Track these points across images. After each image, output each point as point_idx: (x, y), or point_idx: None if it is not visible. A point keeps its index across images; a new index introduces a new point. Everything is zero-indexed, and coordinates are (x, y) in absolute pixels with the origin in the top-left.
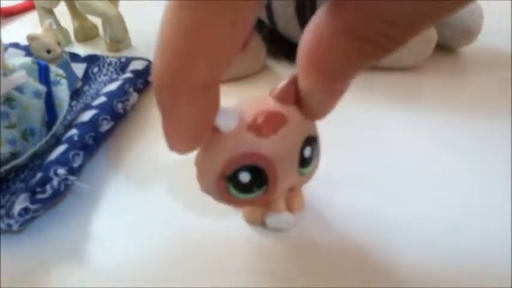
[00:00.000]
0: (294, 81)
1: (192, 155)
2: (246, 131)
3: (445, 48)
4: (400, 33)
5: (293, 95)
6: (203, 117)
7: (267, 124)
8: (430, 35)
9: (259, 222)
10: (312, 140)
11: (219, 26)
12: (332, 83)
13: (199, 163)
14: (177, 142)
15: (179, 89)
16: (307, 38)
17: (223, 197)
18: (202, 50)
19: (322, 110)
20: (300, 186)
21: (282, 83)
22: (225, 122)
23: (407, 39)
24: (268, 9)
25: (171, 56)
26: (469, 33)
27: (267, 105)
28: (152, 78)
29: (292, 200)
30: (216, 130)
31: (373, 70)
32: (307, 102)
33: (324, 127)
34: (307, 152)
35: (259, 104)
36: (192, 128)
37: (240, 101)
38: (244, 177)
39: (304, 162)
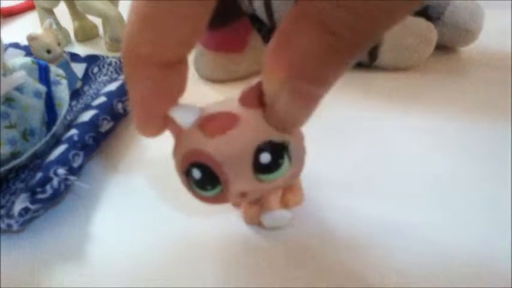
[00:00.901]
0: (258, 85)
1: None
2: (197, 128)
3: (445, 48)
4: (365, 26)
5: (255, 99)
6: (157, 94)
7: (213, 123)
8: (430, 36)
9: (256, 222)
10: (273, 146)
11: (163, 6)
12: (298, 82)
13: (173, 156)
14: (137, 119)
15: (131, 61)
16: (279, 29)
17: (191, 192)
18: (147, 24)
19: (291, 117)
20: (267, 191)
21: (247, 86)
22: (182, 118)
23: (374, 34)
24: (268, 8)
25: (127, 30)
26: (470, 33)
27: (228, 107)
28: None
29: (288, 195)
30: (179, 127)
31: (373, 70)
32: (273, 108)
33: (324, 127)
34: (264, 157)
35: (221, 105)
36: (146, 103)
37: (214, 102)
38: (196, 174)
39: (264, 168)
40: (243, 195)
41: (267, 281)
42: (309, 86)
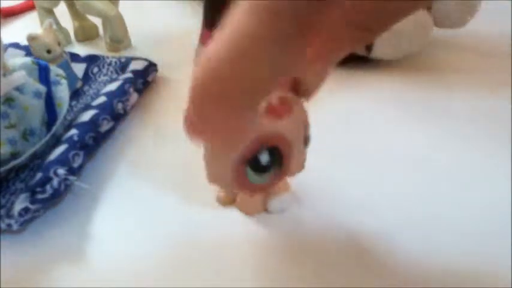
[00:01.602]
0: None
1: (192, 157)
2: (264, 114)
3: (443, 44)
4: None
5: (289, 82)
6: (236, 130)
7: (282, 106)
8: (426, 20)
9: (260, 210)
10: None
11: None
12: (324, 65)
13: (212, 152)
14: (197, 137)
15: (231, 102)
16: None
17: (238, 180)
18: (273, 72)
19: (313, 91)
20: None
21: None
22: None
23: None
24: None
25: (241, 68)
26: (470, 7)
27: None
28: (202, 76)
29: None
30: None
31: (371, 64)
32: (310, 80)
33: (323, 125)
34: (308, 132)
35: None
36: (220, 135)
37: None
38: (264, 158)
39: (306, 141)
40: (302, 167)
41: (267, 281)
42: (327, 66)
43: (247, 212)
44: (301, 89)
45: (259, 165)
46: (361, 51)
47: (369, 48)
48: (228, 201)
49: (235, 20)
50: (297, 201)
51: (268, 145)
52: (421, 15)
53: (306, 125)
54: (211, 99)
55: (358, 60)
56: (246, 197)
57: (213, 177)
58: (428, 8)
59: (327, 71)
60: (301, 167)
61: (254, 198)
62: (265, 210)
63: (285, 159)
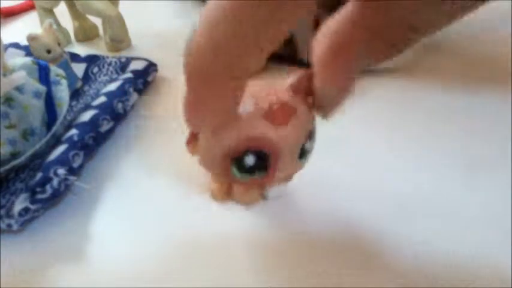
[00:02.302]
0: (310, 76)
1: (192, 157)
2: (261, 117)
3: (442, 48)
4: (419, 38)
5: (305, 89)
6: (224, 105)
7: (281, 113)
8: None
9: (257, 200)
10: (312, 134)
11: (273, 21)
12: (346, 81)
13: (207, 139)
14: (194, 120)
15: (213, 74)
16: (326, 38)
17: (223, 174)
18: (248, 41)
19: (334, 108)
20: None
21: (297, 74)
22: (243, 106)
23: (417, 40)
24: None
25: (216, 40)
26: None
27: (279, 94)
28: (188, 54)
29: None
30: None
31: (368, 76)
32: (321, 101)
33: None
34: (308, 144)
35: (272, 92)
36: (211, 112)
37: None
38: (250, 160)
39: (303, 154)
40: (289, 178)
41: (268, 281)
42: (353, 80)
43: (244, 203)
44: (316, 103)
45: (244, 166)
46: None
47: None
48: (221, 195)
49: None
50: (296, 195)
51: (255, 148)
52: None
53: (307, 138)
54: (195, 72)
55: None
56: (241, 188)
57: (203, 163)
58: None
59: (350, 84)
60: (289, 178)
61: (250, 190)
62: (262, 197)
63: (271, 167)
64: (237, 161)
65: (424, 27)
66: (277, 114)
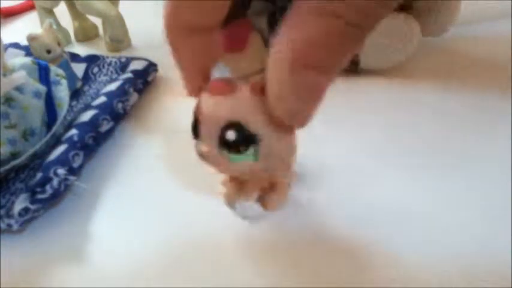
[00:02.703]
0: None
1: (192, 157)
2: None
3: (440, 48)
4: (367, 6)
5: (263, 90)
6: (201, 55)
7: (215, 85)
8: (411, 30)
9: (234, 203)
10: (243, 131)
11: None
12: (304, 70)
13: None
14: (185, 79)
15: (177, 30)
16: (282, 24)
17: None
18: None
19: (298, 114)
20: (232, 171)
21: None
22: (215, 74)
23: (375, 15)
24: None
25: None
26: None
27: (238, 80)
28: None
29: (271, 194)
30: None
31: (358, 75)
32: (282, 102)
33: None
34: (229, 135)
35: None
36: (192, 66)
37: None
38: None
39: (225, 144)
40: (202, 155)
41: (268, 281)
42: (315, 73)
43: (227, 204)
44: (271, 96)
45: (228, 142)
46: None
47: (355, 62)
48: (232, 197)
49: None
50: (296, 196)
51: (195, 114)
52: (407, 23)
53: (228, 126)
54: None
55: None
56: (227, 186)
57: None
58: (416, 16)
59: (317, 85)
60: (200, 153)
61: (232, 193)
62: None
63: (198, 130)
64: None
65: None
66: (212, 84)
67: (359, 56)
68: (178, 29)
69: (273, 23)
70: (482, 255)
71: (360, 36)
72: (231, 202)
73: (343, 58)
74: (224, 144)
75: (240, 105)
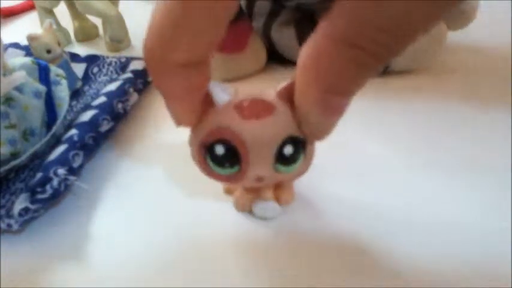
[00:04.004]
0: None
1: (192, 159)
2: (232, 108)
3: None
4: (393, 40)
5: (292, 95)
6: (188, 92)
7: (250, 107)
8: (439, 32)
9: (247, 209)
10: (296, 141)
11: (198, 9)
12: (330, 97)
13: (191, 131)
14: (172, 112)
15: (161, 64)
16: (304, 53)
17: (202, 166)
18: (182, 30)
19: (322, 130)
20: (279, 181)
21: (287, 82)
22: (219, 95)
23: (400, 47)
24: (267, 37)
25: (155, 33)
26: (465, 14)
27: (263, 95)
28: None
29: (280, 192)
30: (212, 103)
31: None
32: (306, 122)
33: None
34: (287, 149)
35: (257, 93)
36: (179, 101)
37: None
38: (219, 150)
39: (284, 160)
40: (259, 179)
41: (268, 281)
42: (338, 98)
43: (236, 207)
44: (303, 126)
45: (215, 156)
46: None
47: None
48: (243, 204)
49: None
50: (292, 213)
51: (221, 137)
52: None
53: (284, 141)
54: (147, 57)
55: None
56: (238, 193)
57: (191, 155)
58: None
59: (339, 107)
60: (253, 181)
61: (245, 196)
62: (251, 211)
63: (243, 161)
64: (210, 151)
65: (394, 27)
66: (245, 107)
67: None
68: (172, 66)
69: (302, 33)
70: (482, 255)
71: (378, 66)
72: (244, 206)
73: (362, 83)
74: (280, 160)
75: (288, 119)
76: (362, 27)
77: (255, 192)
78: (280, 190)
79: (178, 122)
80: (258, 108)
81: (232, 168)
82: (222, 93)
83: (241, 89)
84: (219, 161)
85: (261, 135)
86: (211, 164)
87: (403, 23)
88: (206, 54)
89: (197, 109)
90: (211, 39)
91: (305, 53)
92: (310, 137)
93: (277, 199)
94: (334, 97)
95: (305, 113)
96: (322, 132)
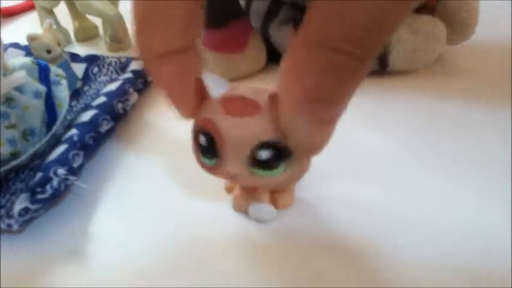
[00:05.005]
0: None
1: (192, 157)
2: (217, 103)
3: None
4: (367, 36)
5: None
6: (180, 77)
7: (235, 104)
8: (438, 33)
9: (244, 210)
10: (277, 148)
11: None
12: (314, 105)
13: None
14: (176, 104)
15: (148, 56)
16: (285, 58)
17: (195, 154)
18: (156, 20)
19: (311, 142)
20: (259, 184)
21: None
22: (212, 86)
23: (376, 44)
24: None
25: (137, 28)
26: (465, 27)
27: (258, 93)
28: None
29: (279, 195)
30: (209, 95)
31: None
32: (292, 132)
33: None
34: (263, 154)
35: (251, 91)
36: (173, 88)
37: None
38: (202, 139)
39: (259, 163)
40: (232, 177)
41: (268, 281)
42: (323, 106)
43: (234, 208)
44: (292, 140)
45: (200, 145)
46: (374, 67)
47: (382, 64)
48: (240, 204)
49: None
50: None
51: (203, 128)
52: (432, 28)
53: (259, 146)
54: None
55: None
56: (236, 193)
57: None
58: (442, 19)
59: (328, 117)
60: (227, 176)
61: (242, 197)
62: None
63: (220, 154)
64: (195, 140)
65: (367, 23)
66: (231, 102)
67: (388, 59)
68: (155, 57)
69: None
70: (482, 255)
71: (360, 68)
72: (241, 206)
73: (351, 86)
74: (255, 163)
75: (271, 124)
76: (333, 27)
77: (251, 194)
78: (278, 194)
79: (187, 112)
80: (243, 106)
81: (211, 160)
82: (214, 85)
83: (242, 86)
84: (202, 151)
85: (237, 133)
86: (200, 154)
87: (376, 20)
88: (190, 40)
89: (192, 98)
90: (187, 25)
91: (285, 59)
92: (300, 149)
93: (275, 202)
94: (319, 105)
95: (289, 123)
96: (312, 144)
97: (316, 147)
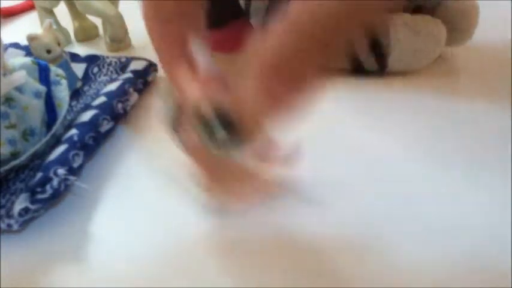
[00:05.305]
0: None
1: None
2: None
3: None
4: (335, 24)
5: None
6: (172, 41)
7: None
8: (439, 34)
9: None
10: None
11: None
12: (270, 79)
13: None
14: (162, 61)
15: (151, 21)
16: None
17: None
18: None
19: (252, 110)
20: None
21: None
22: (198, 55)
23: (343, 33)
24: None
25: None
26: (463, 31)
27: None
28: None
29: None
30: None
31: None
32: (243, 101)
33: (321, 127)
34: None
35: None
36: (167, 47)
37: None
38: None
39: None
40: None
41: (268, 281)
42: (279, 84)
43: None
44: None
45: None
46: (373, 67)
47: (382, 65)
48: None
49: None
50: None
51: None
52: (433, 28)
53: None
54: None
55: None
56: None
57: None
58: (443, 20)
59: (281, 96)
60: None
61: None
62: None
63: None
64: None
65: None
66: (205, 80)
67: (387, 60)
68: (158, 18)
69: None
70: (482, 255)
71: (327, 52)
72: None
73: (308, 72)
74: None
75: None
76: (305, 17)
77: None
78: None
79: (167, 61)
80: (208, 78)
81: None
82: (200, 55)
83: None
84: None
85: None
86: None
87: (353, 10)
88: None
89: (182, 59)
90: None
91: (267, 33)
92: (242, 117)
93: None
94: (277, 83)
95: (244, 92)
96: (251, 117)
97: (256, 118)
